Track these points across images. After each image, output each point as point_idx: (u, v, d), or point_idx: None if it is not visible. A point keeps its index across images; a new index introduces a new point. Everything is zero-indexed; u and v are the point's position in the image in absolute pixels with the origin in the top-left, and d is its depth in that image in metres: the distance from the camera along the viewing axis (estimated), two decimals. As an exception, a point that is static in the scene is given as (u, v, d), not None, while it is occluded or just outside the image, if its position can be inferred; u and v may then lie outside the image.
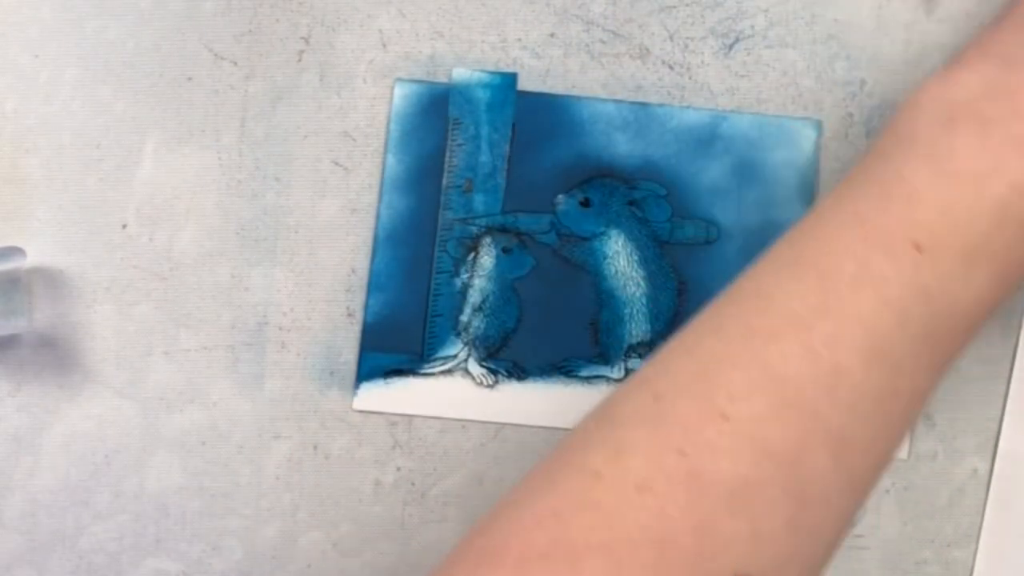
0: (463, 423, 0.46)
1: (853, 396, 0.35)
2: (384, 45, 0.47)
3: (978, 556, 0.45)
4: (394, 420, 0.47)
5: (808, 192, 0.46)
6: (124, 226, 0.47)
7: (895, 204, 0.36)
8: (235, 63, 0.47)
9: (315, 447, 0.47)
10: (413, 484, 0.47)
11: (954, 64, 0.39)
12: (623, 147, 0.47)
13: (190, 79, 0.47)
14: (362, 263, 0.47)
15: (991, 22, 0.41)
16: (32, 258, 0.46)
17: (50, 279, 0.47)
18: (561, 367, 0.47)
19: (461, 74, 0.47)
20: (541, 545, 0.34)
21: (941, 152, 0.36)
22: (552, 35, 0.47)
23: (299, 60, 0.47)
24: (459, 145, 0.47)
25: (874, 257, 0.36)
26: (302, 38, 0.47)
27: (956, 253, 0.36)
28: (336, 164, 0.47)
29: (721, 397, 0.35)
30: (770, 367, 0.35)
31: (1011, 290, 0.37)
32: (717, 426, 0.35)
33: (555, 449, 0.37)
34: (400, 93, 0.47)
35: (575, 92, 0.47)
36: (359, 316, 0.47)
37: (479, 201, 0.47)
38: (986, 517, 0.46)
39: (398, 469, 0.47)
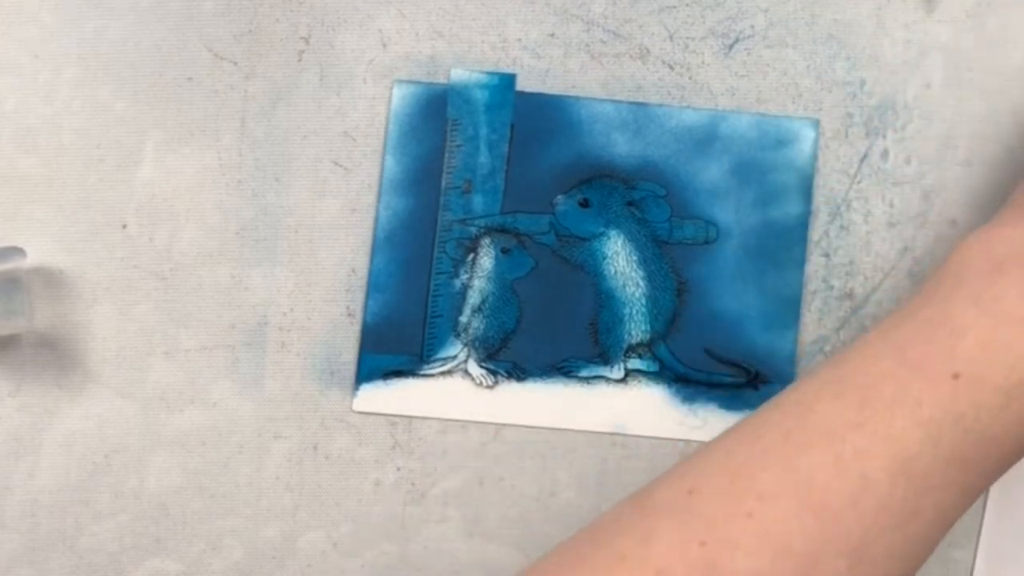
0: (463, 423, 0.46)
1: (876, 508, 0.36)
2: (384, 45, 0.47)
3: (978, 556, 0.45)
4: (394, 420, 0.47)
5: (807, 192, 0.46)
6: (124, 226, 0.47)
7: (938, 336, 0.38)
8: (235, 63, 0.47)
9: (315, 447, 0.47)
10: (413, 484, 0.47)
11: (995, 223, 0.40)
12: (622, 147, 0.47)
13: (190, 79, 0.47)
14: (362, 263, 0.47)
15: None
16: (32, 258, 0.46)
17: (50, 279, 0.47)
18: (561, 368, 0.47)
19: (459, 75, 0.47)
20: None
21: (988, 295, 0.38)
22: (552, 35, 0.47)
23: (299, 60, 0.47)
24: (458, 146, 0.47)
25: (913, 382, 0.37)
26: (302, 38, 0.47)
27: (994, 387, 0.37)
28: (336, 164, 0.47)
29: (750, 497, 0.37)
30: (799, 472, 0.37)
31: None
32: (741, 523, 0.36)
33: (588, 528, 0.39)
34: (398, 94, 0.47)
35: (575, 92, 0.47)
36: (359, 316, 0.47)
37: (478, 202, 0.47)
38: (986, 517, 0.46)
39: (398, 469, 0.47)
